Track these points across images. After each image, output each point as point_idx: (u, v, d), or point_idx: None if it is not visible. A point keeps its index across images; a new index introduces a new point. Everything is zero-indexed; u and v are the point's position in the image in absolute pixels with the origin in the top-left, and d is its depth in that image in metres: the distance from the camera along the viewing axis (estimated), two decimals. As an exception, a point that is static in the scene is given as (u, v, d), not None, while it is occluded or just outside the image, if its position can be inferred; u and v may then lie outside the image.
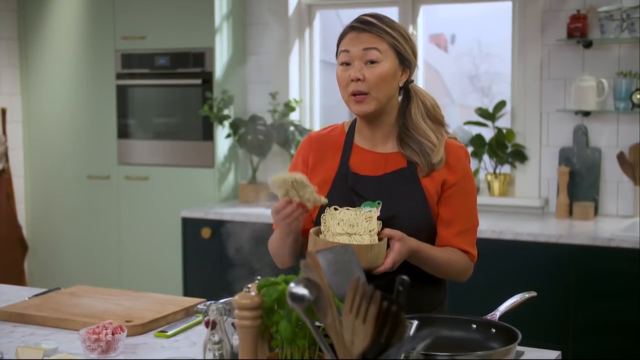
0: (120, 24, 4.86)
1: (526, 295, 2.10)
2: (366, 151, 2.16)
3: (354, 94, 2.07)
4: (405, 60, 2.10)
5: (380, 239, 1.95)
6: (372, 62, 2.05)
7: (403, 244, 1.96)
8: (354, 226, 1.94)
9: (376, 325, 1.39)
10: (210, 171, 4.70)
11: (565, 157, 4.19)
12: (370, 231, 1.94)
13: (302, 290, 1.44)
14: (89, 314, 2.20)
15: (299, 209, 1.93)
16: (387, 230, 1.96)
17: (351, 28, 2.10)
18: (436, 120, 2.17)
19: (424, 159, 2.10)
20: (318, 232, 1.98)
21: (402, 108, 2.16)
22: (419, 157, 2.10)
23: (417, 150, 2.10)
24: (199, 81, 4.68)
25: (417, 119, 2.13)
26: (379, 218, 2.00)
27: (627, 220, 3.93)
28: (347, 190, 2.11)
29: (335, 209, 1.99)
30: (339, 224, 1.96)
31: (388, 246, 1.95)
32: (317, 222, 2.06)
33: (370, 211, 1.98)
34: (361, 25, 2.08)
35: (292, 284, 1.45)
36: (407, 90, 2.17)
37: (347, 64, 2.08)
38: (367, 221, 1.95)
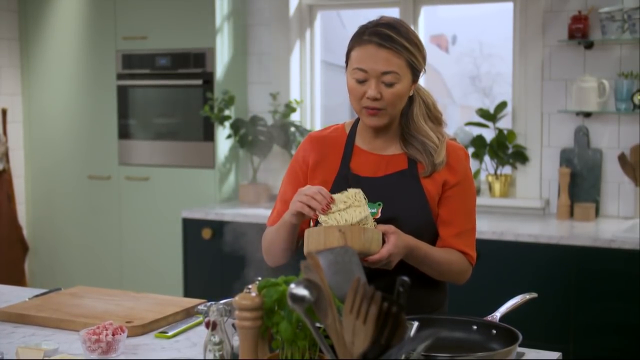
0: (121, 24, 4.86)
1: (527, 296, 2.10)
2: (367, 153, 2.16)
3: (367, 107, 2.06)
4: (418, 73, 2.09)
5: None
6: (391, 84, 2.03)
7: (398, 237, 1.96)
8: (346, 201, 1.95)
9: (376, 326, 1.39)
10: (210, 172, 4.70)
11: (566, 158, 4.18)
12: (363, 205, 1.94)
13: (302, 291, 1.44)
14: (89, 314, 2.20)
15: (324, 202, 1.93)
16: (381, 226, 1.97)
17: (369, 42, 2.03)
18: (436, 119, 2.18)
19: (427, 158, 2.10)
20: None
21: (404, 109, 2.16)
22: (422, 156, 2.10)
23: (420, 150, 2.11)
24: (199, 82, 4.68)
25: (419, 120, 2.14)
26: (379, 219, 2.01)
27: (628, 222, 3.93)
28: (347, 192, 2.11)
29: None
30: (331, 207, 1.96)
31: (384, 242, 1.95)
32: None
33: (357, 191, 1.99)
34: (380, 41, 2.01)
35: (292, 285, 1.45)
36: None
37: (362, 80, 2.04)
38: (357, 195, 1.96)
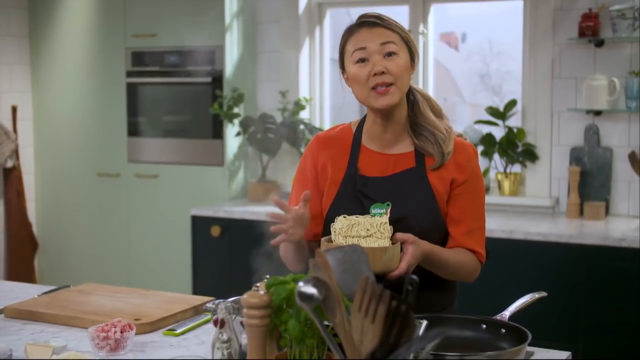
0: (130, 22, 4.87)
1: (536, 295, 2.10)
2: (374, 152, 2.15)
3: (376, 87, 2.05)
4: (413, 54, 2.11)
5: (392, 244, 1.94)
6: (391, 54, 2.05)
7: (416, 246, 1.95)
8: (370, 229, 1.93)
9: (385, 324, 1.39)
10: (220, 169, 4.70)
11: (576, 156, 4.17)
12: (386, 237, 1.93)
13: (310, 290, 1.44)
14: (98, 311, 2.20)
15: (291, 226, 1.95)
16: (399, 235, 1.95)
17: (360, 25, 2.10)
18: (438, 113, 2.19)
19: (438, 149, 2.10)
20: (330, 241, 1.97)
21: (410, 105, 2.16)
22: (432, 147, 2.10)
23: (431, 141, 2.11)
24: (209, 79, 4.68)
25: (426, 111, 2.15)
26: (388, 219, 1.99)
27: (638, 220, 3.91)
28: (355, 192, 2.10)
29: (345, 217, 1.99)
30: (352, 227, 1.95)
31: (401, 251, 1.94)
32: (326, 233, 2.05)
33: (382, 217, 1.98)
34: (372, 20, 2.08)
35: (301, 283, 1.45)
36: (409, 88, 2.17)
37: (364, 60, 2.06)
38: (382, 226, 1.94)
